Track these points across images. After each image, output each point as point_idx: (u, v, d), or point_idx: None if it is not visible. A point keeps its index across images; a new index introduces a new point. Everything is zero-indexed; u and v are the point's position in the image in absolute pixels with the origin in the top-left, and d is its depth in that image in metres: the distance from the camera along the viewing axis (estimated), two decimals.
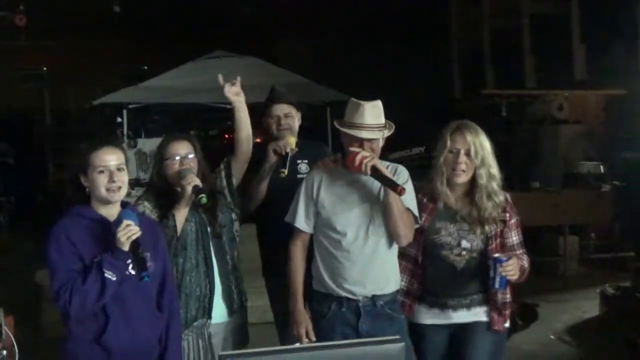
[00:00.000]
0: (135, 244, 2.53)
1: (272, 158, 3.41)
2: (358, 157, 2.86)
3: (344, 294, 3.00)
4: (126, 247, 2.51)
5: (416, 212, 3.01)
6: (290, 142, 3.39)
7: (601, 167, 9.13)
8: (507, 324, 3.19)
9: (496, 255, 2.97)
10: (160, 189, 3.16)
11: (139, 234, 2.53)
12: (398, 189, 2.82)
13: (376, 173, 2.86)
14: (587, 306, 6.68)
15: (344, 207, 3.00)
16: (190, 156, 3.14)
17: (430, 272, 3.13)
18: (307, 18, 13.90)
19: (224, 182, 3.30)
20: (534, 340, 5.90)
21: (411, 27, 12.97)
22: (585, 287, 7.43)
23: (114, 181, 2.61)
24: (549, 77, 10.84)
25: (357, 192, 3.01)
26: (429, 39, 13.10)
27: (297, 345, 2.93)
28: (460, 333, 3.12)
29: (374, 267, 3.00)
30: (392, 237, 3.01)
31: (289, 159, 3.36)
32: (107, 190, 2.61)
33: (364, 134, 2.92)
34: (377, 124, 2.95)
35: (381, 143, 3.03)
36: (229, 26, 13.50)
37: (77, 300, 2.48)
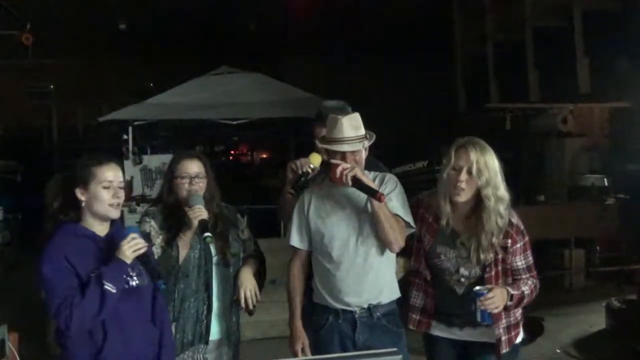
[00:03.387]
0: (145, 256, 2.58)
1: (289, 175, 3.32)
2: (339, 170, 2.92)
3: (340, 306, 3.05)
4: (129, 260, 2.55)
5: (407, 218, 3.04)
6: (313, 160, 3.21)
7: (605, 180, 9.12)
8: (518, 340, 3.15)
9: (477, 288, 2.92)
10: (169, 206, 3.17)
11: (145, 247, 2.58)
12: (377, 195, 2.87)
13: (357, 183, 2.92)
14: (593, 319, 6.66)
15: (332, 220, 3.07)
16: (201, 176, 3.15)
17: (437, 291, 3.14)
18: (311, 34, 13.97)
19: (246, 235, 3.34)
20: (540, 354, 5.87)
21: (415, 42, 13.02)
22: (591, 300, 7.42)
23: (117, 197, 2.64)
24: (553, 90, 10.86)
25: (343, 205, 3.07)
26: (433, 53, 13.15)
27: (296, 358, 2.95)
28: (470, 351, 3.13)
29: (367, 277, 3.04)
30: (383, 246, 3.04)
31: (306, 179, 3.19)
32: (110, 205, 2.63)
33: (344, 147, 2.97)
34: (356, 136, 2.99)
35: (365, 154, 3.07)
36: (234, 43, 13.58)
37: (78, 315, 2.47)
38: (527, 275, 3.05)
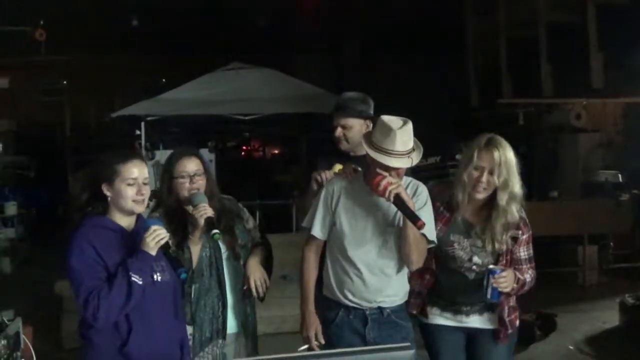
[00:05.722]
0: (166, 245, 2.63)
1: (314, 186, 3.34)
2: (383, 183, 2.82)
3: (350, 304, 3.05)
4: (153, 252, 2.58)
5: (432, 235, 2.99)
6: (336, 171, 3.24)
7: (620, 175, 9.06)
8: (516, 324, 3.23)
9: (491, 266, 3.01)
10: (171, 207, 3.14)
11: (167, 237, 2.62)
12: (418, 224, 2.79)
13: (399, 202, 2.83)
14: (606, 316, 6.62)
15: (359, 225, 3.01)
16: (200, 173, 3.13)
17: (443, 280, 3.17)
18: (324, 29, 13.96)
19: (251, 224, 3.33)
20: (553, 351, 5.85)
21: (427, 38, 12.97)
22: (604, 297, 7.38)
23: (142, 194, 2.67)
24: (567, 85, 10.78)
25: (374, 213, 3.00)
26: (446, 49, 13.09)
27: (308, 352, 2.95)
28: (477, 337, 3.19)
29: (382, 287, 3.03)
30: (401, 260, 3.01)
31: None
32: (134, 202, 2.66)
33: (393, 162, 2.84)
34: (405, 151, 2.86)
35: None
36: (245, 38, 13.59)
37: (105, 306, 2.50)
38: (528, 266, 3.15)
